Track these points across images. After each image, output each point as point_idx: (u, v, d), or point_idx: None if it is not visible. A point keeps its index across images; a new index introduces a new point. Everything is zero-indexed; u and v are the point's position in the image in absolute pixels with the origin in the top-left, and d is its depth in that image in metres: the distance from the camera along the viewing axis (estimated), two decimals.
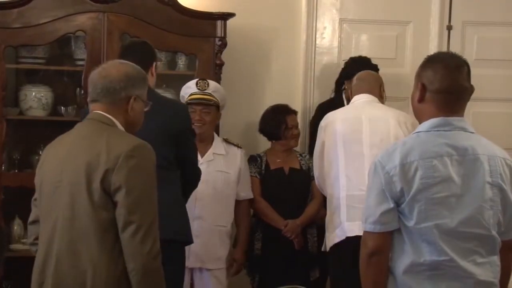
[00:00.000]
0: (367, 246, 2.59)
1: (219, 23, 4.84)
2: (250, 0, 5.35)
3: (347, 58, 5.32)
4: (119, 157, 2.68)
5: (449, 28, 5.52)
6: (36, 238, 2.93)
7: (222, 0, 5.16)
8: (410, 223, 2.54)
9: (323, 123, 4.30)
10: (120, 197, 2.67)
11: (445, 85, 2.64)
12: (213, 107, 4.42)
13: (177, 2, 4.82)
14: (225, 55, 4.88)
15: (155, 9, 4.78)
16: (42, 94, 4.90)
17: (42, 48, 4.89)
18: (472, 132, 2.67)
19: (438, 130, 2.62)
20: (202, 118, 4.39)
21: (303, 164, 4.84)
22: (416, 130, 2.67)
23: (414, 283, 2.57)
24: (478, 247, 2.59)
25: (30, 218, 3.01)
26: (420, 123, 2.70)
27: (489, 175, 2.60)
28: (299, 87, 5.46)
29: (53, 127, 5.05)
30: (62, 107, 4.96)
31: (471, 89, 2.70)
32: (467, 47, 5.50)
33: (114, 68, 2.88)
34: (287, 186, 4.77)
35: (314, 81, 5.49)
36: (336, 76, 5.37)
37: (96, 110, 2.85)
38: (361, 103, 4.31)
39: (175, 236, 3.66)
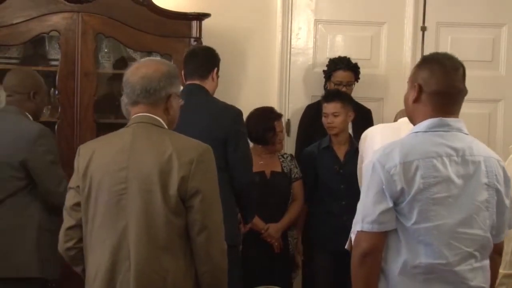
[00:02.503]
0: (361, 246, 2.55)
1: (194, 23, 4.83)
2: (225, 1, 5.35)
3: (323, 58, 5.35)
4: (191, 162, 2.68)
5: (423, 29, 5.56)
6: (77, 242, 2.84)
7: (197, 1, 5.16)
8: (409, 223, 2.52)
9: None
10: (196, 202, 2.68)
11: (442, 87, 2.63)
12: None
13: (152, 2, 4.81)
14: None
15: (129, 9, 4.76)
16: None
17: (16, 48, 4.86)
18: (467, 134, 2.66)
19: (436, 131, 2.60)
20: None
21: (284, 167, 4.80)
22: (414, 130, 2.65)
23: (408, 286, 2.54)
24: (476, 250, 2.58)
25: (69, 223, 2.84)
26: (414, 123, 2.68)
27: (486, 176, 2.60)
28: (274, 87, 5.47)
29: None
30: None
31: (465, 91, 2.70)
32: (441, 48, 5.54)
33: (150, 67, 2.81)
34: (268, 189, 4.70)
35: (289, 82, 5.49)
36: (312, 76, 5.40)
37: (139, 112, 2.79)
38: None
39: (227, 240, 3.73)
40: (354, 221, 2.59)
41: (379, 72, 5.54)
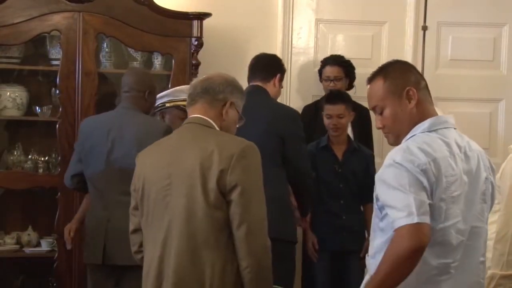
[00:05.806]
0: (416, 240, 2.34)
1: (195, 23, 4.83)
2: (226, 0, 5.35)
3: (323, 58, 5.35)
4: (232, 157, 2.73)
5: (424, 28, 5.56)
6: (140, 246, 2.93)
7: (198, 0, 5.16)
8: (433, 224, 2.42)
9: None
10: (235, 196, 2.73)
11: (423, 79, 2.68)
12: None
13: (153, 2, 4.81)
14: (201, 55, 4.88)
15: (131, 8, 4.76)
16: (17, 94, 4.87)
17: (17, 47, 4.85)
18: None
19: (439, 129, 2.57)
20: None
21: None
22: (418, 131, 2.57)
23: (422, 285, 2.49)
24: (482, 246, 2.60)
25: (131, 228, 2.98)
26: (407, 132, 2.59)
27: (484, 170, 2.61)
28: None
29: (28, 127, 5.04)
30: (37, 107, 4.93)
31: None
32: (442, 47, 5.55)
33: (216, 75, 2.98)
34: None
35: (290, 81, 5.49)
36: (313, 75, 5.40)
37: (195, 113, 2.89)
38: None
39: (280, 235, 3.82)
40: (392, 218, 2.40)
41: None
